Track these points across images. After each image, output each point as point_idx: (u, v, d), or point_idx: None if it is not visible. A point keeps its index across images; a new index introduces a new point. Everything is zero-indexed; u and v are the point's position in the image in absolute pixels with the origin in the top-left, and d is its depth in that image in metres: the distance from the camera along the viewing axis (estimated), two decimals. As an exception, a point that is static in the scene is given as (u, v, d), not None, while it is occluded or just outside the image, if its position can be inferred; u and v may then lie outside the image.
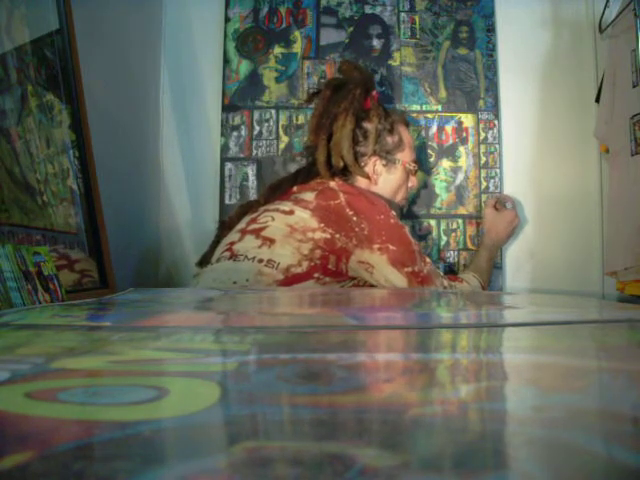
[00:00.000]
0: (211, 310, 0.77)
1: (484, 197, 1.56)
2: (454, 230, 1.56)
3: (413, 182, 1.41)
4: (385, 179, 1.35)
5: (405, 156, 1.37)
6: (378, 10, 1.61)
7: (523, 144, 1.59)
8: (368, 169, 1.33)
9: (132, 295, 0.89)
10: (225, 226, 1.34)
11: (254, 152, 1.57)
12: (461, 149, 1.58)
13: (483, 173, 1.57)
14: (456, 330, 0.52)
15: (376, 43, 1.60)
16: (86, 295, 0.88)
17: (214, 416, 0.23)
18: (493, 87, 1.58)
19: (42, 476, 0.17)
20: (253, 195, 1.55)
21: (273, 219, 1.18)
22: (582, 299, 1.04)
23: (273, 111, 1.58)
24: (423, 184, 1.57)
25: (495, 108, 1.58)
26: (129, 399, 0.25)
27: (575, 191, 1.57)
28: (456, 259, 1.55)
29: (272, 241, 1.14)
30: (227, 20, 1.60)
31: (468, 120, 1.58)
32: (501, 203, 1.50)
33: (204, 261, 1.29)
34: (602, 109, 1.45)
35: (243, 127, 1.57)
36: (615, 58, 1.41)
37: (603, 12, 1.51)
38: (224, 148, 1.57)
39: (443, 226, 1.56)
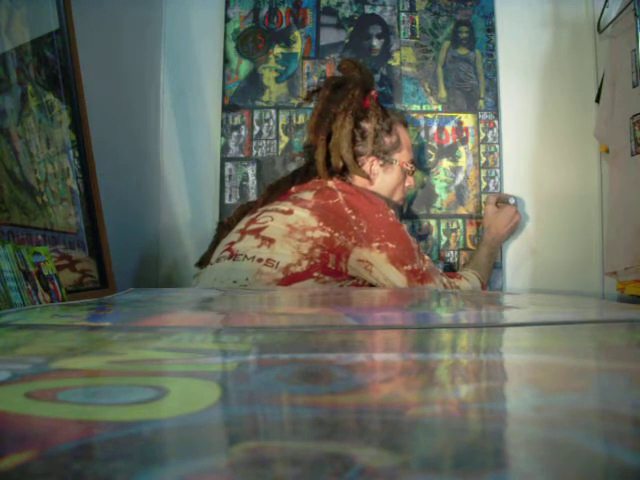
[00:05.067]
0: (211, 310, 0.77)
1: (484, 197, 1.56)
2: (454, 230, 1.56)
3: (410, 182, 1.41)
4: (382, 179, 1.35)
5: (402, 157, 1.37)
6: (378, 10, 1.61)
7: (523, 144, 1.59)
8: (365, 169, 1.33)
9: (132, 295, 0.89)
10: (224, 227, 1.34)
11: (254, 152, 1.57)
12: (461, 149, 1.58)
13: (483, 173, 1.57)
14: (456, 330, 0.52)
15: (376, 43, 1.60)
16: (86, 295, 0.88)
17: (214, 416, 0.23)
18: (493, 87, 1.58)
19: (42, 476, 0.17)
20: (253, 195, 1.55)
21: (272, 219, 1.18)
22: (582, 299, 1.04)
23: (273, 111, 1.58)
24: (422, 184, 1.57)
25: (495, 108, 1.58)
26: (129, 399, 0.25)
27: (575, 191, 1.57)
28: (456, 259, 1.55)
29: (272, 241, 1.14)
30: (227, 20, 1.60)
31: (468, 120, 1.58)
32: (503, 200, 1.50)
33: (203, 262, 1.30)
34: (602, 109, 1.45)
35: (243, 127, 1.57)
36: (615, 58, 1.41)
37: (602, 12, 1.51)
38: (224, 148, 1.57)
39: (443, 226, 1.56)
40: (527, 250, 1.57)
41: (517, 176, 1.58)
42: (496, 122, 1.58)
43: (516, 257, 1.56)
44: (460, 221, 1.56)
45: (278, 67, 1.59)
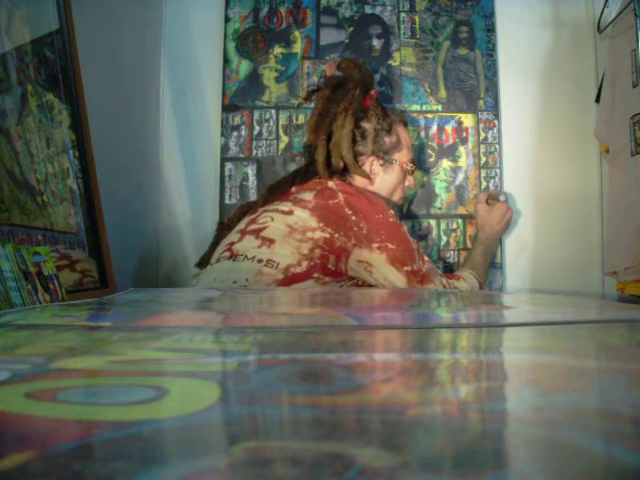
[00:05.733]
0: (211, 310, 0.77)
1: (484, 197, 1.56)
2: (454, 230, 1.56)
3: (410, 181, 1.41)
4: (382, 179, 1.35)
5: (402, 156, 1.37)
6: (378, 10, 1.61)
7: (523, 144, 1.59)
8: (365, 169, 1.33)
9: (132, 295, 0.89)
10: (224, 227, 1.34)
11: (254, 152, 1.57)
12: (461, 149, 1.58)
13: (483, 173, 1.57)
14: (456, 330, 0.52)
15: (376, 43, 1.60)
16: (86, 295, 0.88)
17: (214, 416, 0.23)
18: (493, 87, 1.58)
19: (42, 476, 0.17)
20: (253, 195, 1.54)
21: (272, 219, 1.18)
22: (582, 299, 1.04)
23: (273, 111, 1.58)
24: (422, 184, 1.57)
25: (495, 108, 1.58)
26: (129, 399, 0.25)
27: (575, 191, 1.57)
28: (456, 259, 1.55)
29: (272, 241, 1.14)
30: (227, 20, 1.60)
31: (468, 120, 1.58)
32: (493, 197, 1.50)
33: (203, 262, 1.29)
34: (602, 109, 1.45)
35: (243, 127, 1.57)
36: (615, 58, 1.41)
37: (602, 12, 1.51)
38: (224, 148, 1.57)
39: (443, 226, 1.56)
40: (525, 249, 1.57)
41: (517, 176, 1.58)
42: (496, 122, 1.58)
43: (512, 253, 1.56)
44: (460, 221, 1.56)
45: (278, 67, 1.59)
